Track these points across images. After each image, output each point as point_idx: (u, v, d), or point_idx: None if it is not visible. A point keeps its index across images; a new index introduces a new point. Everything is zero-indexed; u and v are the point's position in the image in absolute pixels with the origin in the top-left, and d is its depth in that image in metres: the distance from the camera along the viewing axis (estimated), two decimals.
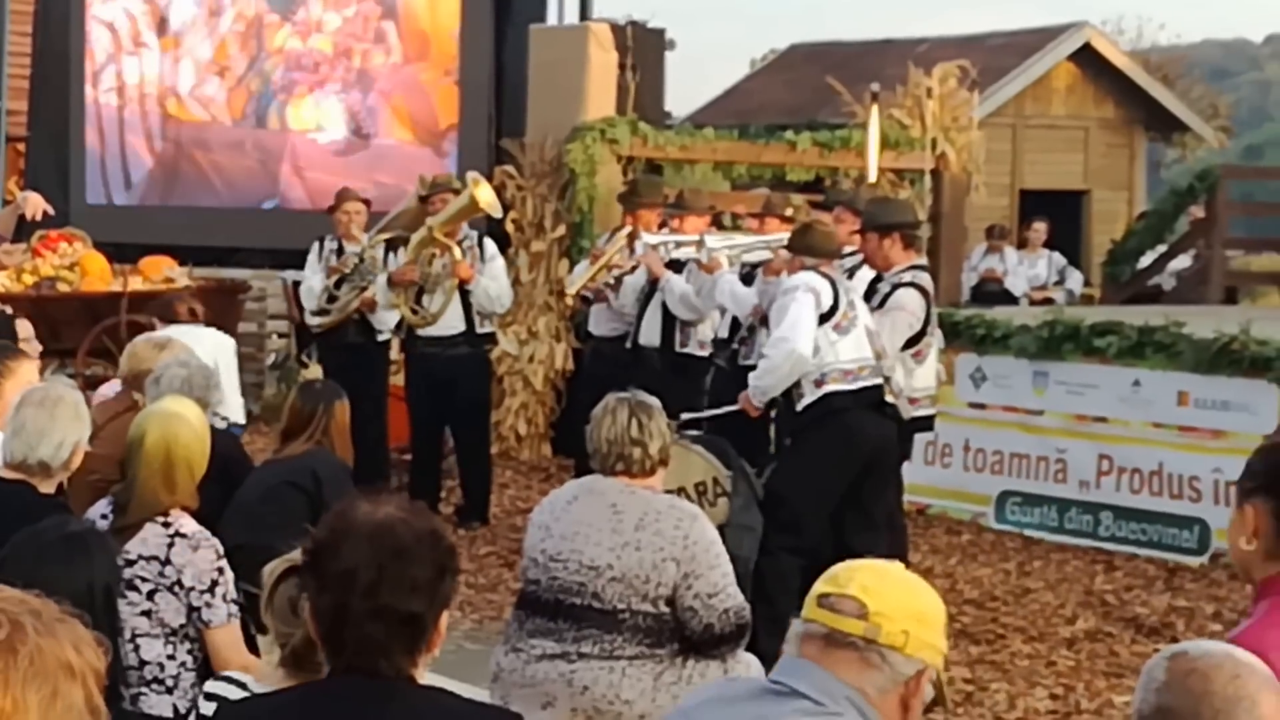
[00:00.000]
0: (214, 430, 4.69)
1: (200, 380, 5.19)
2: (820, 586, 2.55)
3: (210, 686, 3.24)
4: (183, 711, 3.94)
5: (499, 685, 4.49)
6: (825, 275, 6.49)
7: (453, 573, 2.56)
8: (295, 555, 3.11)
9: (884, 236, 6.88)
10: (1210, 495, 8.15)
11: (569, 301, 9.22)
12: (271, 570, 3.15)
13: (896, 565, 2.63)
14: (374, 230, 9.36)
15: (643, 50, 11.41)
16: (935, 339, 7.03)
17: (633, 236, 8.71)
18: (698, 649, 4.40)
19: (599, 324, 9.05)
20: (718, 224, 9.80)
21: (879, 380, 6.47)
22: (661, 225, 8.82)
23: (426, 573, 2.50)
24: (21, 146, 14.60)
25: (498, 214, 9.16)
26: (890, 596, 2.52)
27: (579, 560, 4.36)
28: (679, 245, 8.34)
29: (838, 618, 2.49)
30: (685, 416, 6.41)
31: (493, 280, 8.78)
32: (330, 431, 5.40)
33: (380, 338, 9.35)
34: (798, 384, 6.40)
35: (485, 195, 8.59)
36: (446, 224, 8.67)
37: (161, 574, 4.01)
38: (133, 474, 4.13)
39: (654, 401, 4.59)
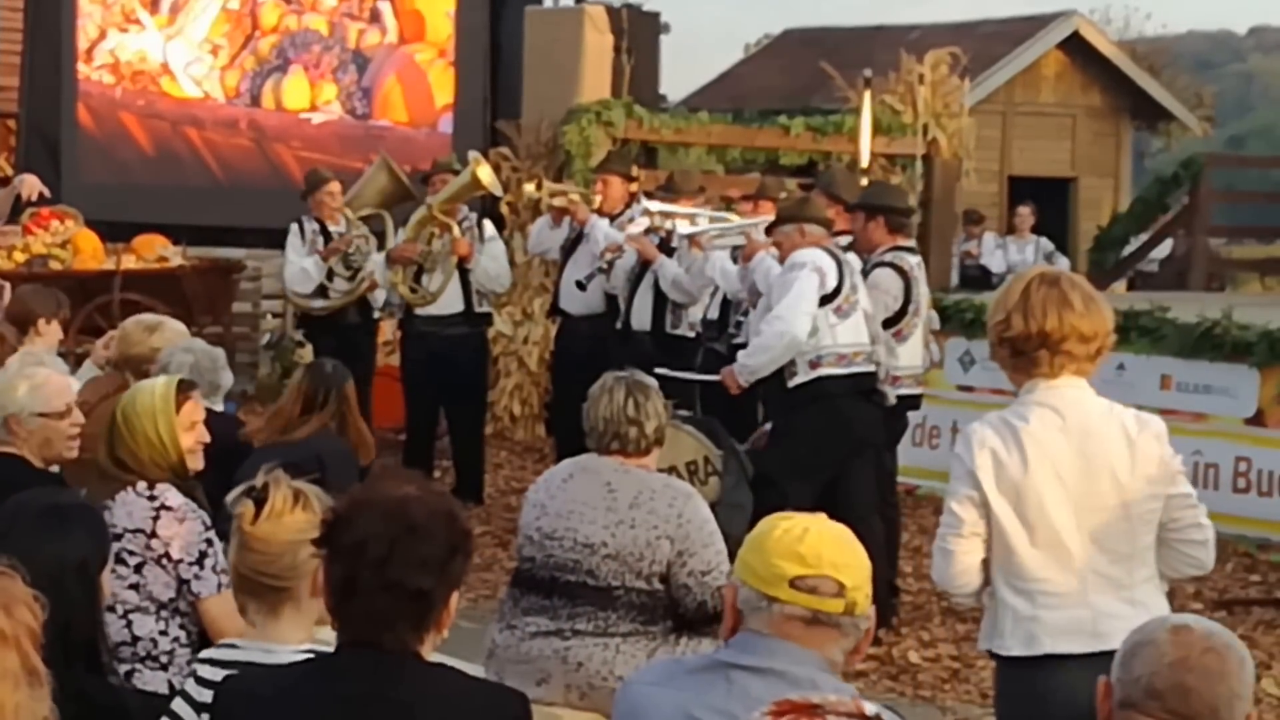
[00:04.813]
0: (212, 413, 4.70)
1: (208, 364, 5.20)
2: (787, 566, 2.52)
3: (207, 654, 3.22)
4: (178, 687, 3.96)
5: (494, 662, 4.51)
6: (833, 254, 6.50)
7: (465, 554, 2.56)
8: (258, 480, 3.17)
9: (870, 218, 6.93)
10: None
11: (541, 195, 9.05)
12: (235, 496, 3.17)
13: (835, 525, 2.62)
14: (346, 202, 9.26)
15: (638, 33, 11.43)
16: (922, 319, 7.01)
17: (633, 197, 8.73)
18: (691, 626, 4.42)
19: (572, 301, 8.82)
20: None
21: (872, 367, 6.53)
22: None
23: (438, 551, 2.51)
24: (12, 123, 14.54)
25: (499, 193, 9.21)
26: (854, 567, 2.55)
27: (574, 538, 4.37)
28: (672, 215, 8.35)
29: (819, 600, 2.51)
30: (659, 371, 6.16)
31: (492, 260, 8.82)
32: (345, 415, 5.31)
33: (374, 315, 9.37)
34: (791, 362, 6.42)
35: (486, 174, 8.65)
36: (447, 203, 8.72)
37: (148, 547, 3.99)
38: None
39: (651, 381, 4.60)
